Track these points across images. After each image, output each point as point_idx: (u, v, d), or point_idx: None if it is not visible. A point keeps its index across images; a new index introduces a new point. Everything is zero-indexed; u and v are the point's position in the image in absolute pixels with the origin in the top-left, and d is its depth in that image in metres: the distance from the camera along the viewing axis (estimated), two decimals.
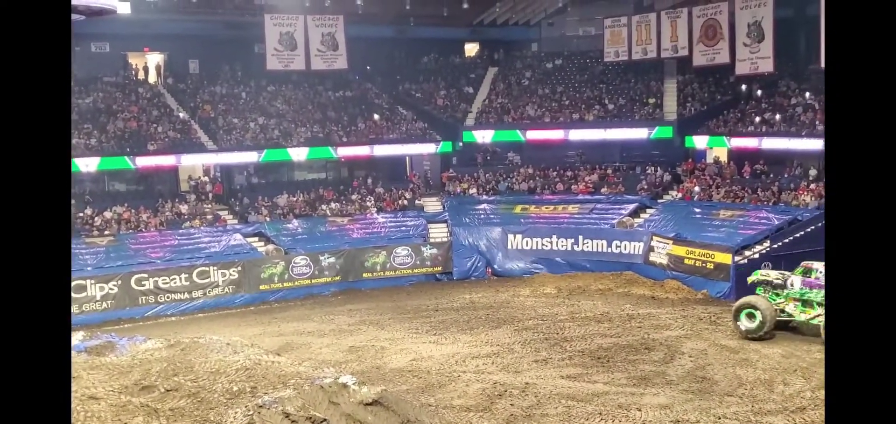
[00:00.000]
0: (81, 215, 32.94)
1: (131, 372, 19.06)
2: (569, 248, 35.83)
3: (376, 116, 41.60)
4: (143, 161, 35.30)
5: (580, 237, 35.71)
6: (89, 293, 29.09)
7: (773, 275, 24.80)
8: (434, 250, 35.79)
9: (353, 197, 38.39)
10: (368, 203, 38.07)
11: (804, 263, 23.99)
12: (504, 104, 43.33)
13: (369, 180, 39.93)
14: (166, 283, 30.45)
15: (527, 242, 36.31)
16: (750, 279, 25.43)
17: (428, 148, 41.44)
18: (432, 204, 39.27)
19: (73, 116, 35.98)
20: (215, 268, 31.53)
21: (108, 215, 33.35)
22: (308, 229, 35.72)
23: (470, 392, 19.49)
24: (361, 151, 39.85)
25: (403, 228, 36.86)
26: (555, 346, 23.86)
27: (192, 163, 37.79)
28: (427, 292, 33.04)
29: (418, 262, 35.32)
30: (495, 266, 36.06)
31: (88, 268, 30.20)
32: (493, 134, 41.83)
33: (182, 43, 42.04)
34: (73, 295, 28.48)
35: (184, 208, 35.18)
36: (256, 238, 34.87)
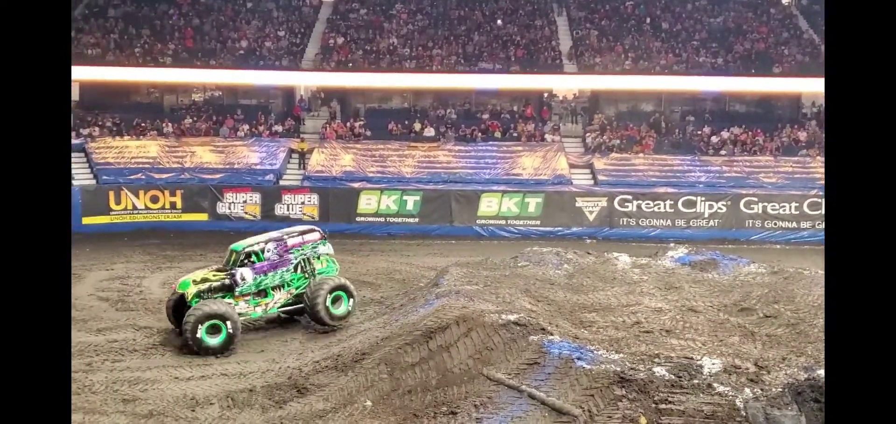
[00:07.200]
0: (699, 132, 33.98)
1: (732, 292, 19.27)
2: None
3: None
4: (764, 83, 34.96)
5: None
6: (698, 209, 29.99)
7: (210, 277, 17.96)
8: None
9: None
10: None
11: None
12: None
13: None
14: (775, 210, 29.83)
15: None
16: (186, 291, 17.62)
17: None
18: None
19: (702, 34, 37.01)
20: None
21: (724, 134, 33.81)
22: None
23: None
24: None
25: None
26: None
27: (816, 89, 36.00)
28: None
29: None
30: None
31: (700, 185, 31.16)
32: None
33: None
34: (683, 210, 29.77)
35: (802, 135, 33.86)
36: None
